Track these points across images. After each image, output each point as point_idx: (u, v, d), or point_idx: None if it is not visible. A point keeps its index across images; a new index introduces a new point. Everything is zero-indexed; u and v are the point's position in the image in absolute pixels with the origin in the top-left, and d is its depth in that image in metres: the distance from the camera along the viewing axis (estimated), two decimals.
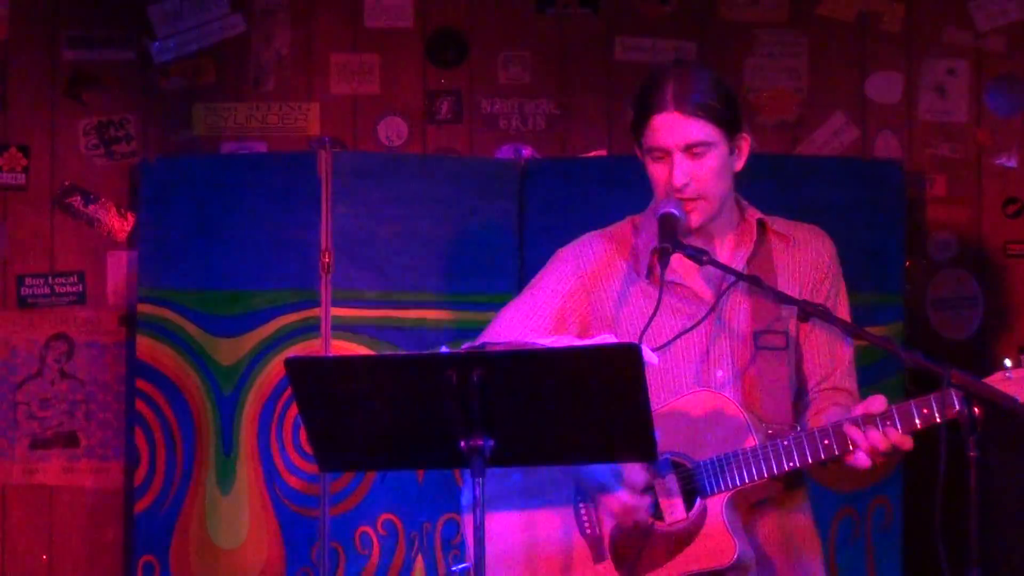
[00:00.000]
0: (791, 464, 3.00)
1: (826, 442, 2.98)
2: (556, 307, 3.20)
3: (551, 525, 3.15)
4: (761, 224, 3.21)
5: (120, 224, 5.03)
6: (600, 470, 3.07)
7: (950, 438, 2.82)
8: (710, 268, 3.09)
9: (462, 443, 2.76)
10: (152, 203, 4.77)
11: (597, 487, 3.08)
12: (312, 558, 4.52)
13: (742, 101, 5.00)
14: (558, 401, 2.79)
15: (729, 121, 3.08)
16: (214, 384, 4.63)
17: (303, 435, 4.46)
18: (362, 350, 4.52)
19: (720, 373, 3.13)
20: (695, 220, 3.09)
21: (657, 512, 3.07)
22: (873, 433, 2.95)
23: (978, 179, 5.05)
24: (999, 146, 5.05)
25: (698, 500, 3.05)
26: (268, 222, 4.60)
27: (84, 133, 5.04)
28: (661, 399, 3.08)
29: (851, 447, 2.97)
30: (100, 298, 5.02)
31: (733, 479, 3.02)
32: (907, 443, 2.96)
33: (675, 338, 3.12)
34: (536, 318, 3.20)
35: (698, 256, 3.05)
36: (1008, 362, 2.90)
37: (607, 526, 3.11)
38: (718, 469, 3.02)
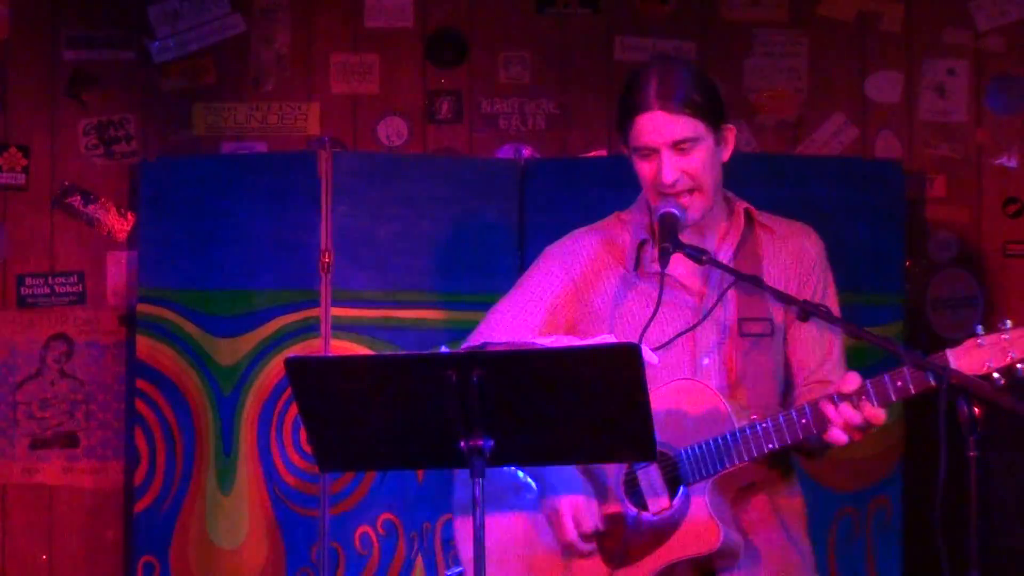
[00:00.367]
0: (770, 446, 3.01)
1: (803, 421, 2.99)
2: (546, 305, 3.21)
3: (537, 521, 3.15)
4: (748, 214, 3.22)
5: (120, 224, 5.03)
6: (555, 502, 3.10)
7: (950, 438, 2.82)
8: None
9: (462, 443, 2.76)
10: (152, 203, 4.77)
11: (550, 508, 3.10)
12: (312, 558, 4.52)
13: (741, 101, 5.03)
14: (558, 401, 2.79)
15: (713, 114, 3.10)
16: (214, 384, 4.63)
17: (303, 435, 4.46)
18: (362, 350, 4.52)
19: (706, 361, 3.15)
20: (693, 215, 3.11)
21: (641, 502, 3.08)
22: (846, 407, 2.95)
23: (978, 179, 5.05)
24: (999, 146, 5.05)
25: (681, 488, 3.05)
26: (268, 222, 4.60)
27: (84, 133, 5.04)
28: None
29: (827, 424, 2.97)
30: (100, 298, 5.02)
31: (714, 465, 3.03)
32: (880, 416, 2.95)
33: (676, 337, 3.13)
34: (526, 316, 3.21)
35: (698, 256, 3.06)
36: (1008, 322, 2.89)
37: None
38: (699, 456, 3.03)
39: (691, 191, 3.09)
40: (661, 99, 3.05)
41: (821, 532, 4.59)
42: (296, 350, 4.52)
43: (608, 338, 3.08)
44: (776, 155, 4.96)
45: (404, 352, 4.38)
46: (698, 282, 3.18)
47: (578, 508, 3.10)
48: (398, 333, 4.54)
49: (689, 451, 3.04)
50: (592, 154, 4.98)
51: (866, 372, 4.53)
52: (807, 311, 3.01)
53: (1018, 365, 2.85)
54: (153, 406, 4.68)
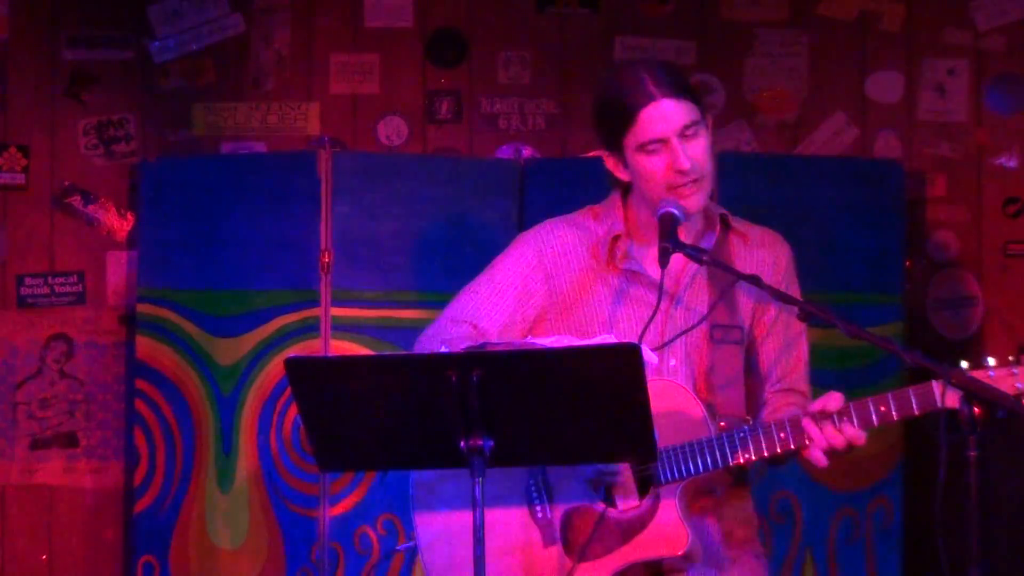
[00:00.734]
0: (747, 456, 3.02)
1: (782, 435, 3.00)
2: (516, 291, 3.22)
3: (500, 507, 3.14)
4: (724, 220, 3.22)
5: (120, 224, 5.03)
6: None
7: (950, 438, 2.82)
8: (672, 258, 3.09)
9: (462, 443, 2.76)
10: (152, 203, 4.77)
11: (545, 483, 3.11)
12: (312, 558, 4.52)
13: (742, 101, 5.03)
14: (558, 401, 2.79)
15: (701, 100, 3.12)
16: (214, 384, 4.63)
17: (303, 435, 4.46)
18: (362, 350, 4.52)
19: (673, 362, 3.16)
20: (696, 203, 3.11)
21: (610, 498, 3.08)
22: (828, 428, 2.96)
23: (978, 179, 5.05)
24: (999, 146, 5.05)
25: (652, 489, 3.06)
26: (268, 222, 4.60)
27: (84, 133, 5.04)
28: None
29: (807, 442, 2.98)
30: (100, 298, 5.02)
31: (688, 468, 3.03)
32: (860, 439, 2.97)
33: (674, 338, 3.14)
34: (496, 300, 3.22)
35: (698, 256, 3.06)
36: (991, 360, 2.90)
37: (559, 511, 3.12)
38: (674, 458, 3.04)
39: (697, 180, 3.09)
40: (661, 88, 3.06)
41: (821, 532, 4.60)
42: (296, 350, 4.52)
43: (608, 338, 3.09)
44: (776, 155, 4.96)
45: (404, 352, 4.38)
46: (670, 281, 3.17)
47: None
48: (398, 333, 4.54)
49: (664, 452, 3.04)
50: (592, 154, 4.96)
51: (866, 372, 4.54)
52: (808, 312, 3.01)
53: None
54: (153, 406, 4.69)
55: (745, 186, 4.53)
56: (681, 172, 3.06)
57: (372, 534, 4.54)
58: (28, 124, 5.03)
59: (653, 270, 3.16)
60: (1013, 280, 5.03)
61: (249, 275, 4.61)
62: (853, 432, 2.96)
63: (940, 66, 5.06)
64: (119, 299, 5.01)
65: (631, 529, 3.06)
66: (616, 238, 3.19)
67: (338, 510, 4.53)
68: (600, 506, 3.09)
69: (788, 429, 3.00)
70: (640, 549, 3.05)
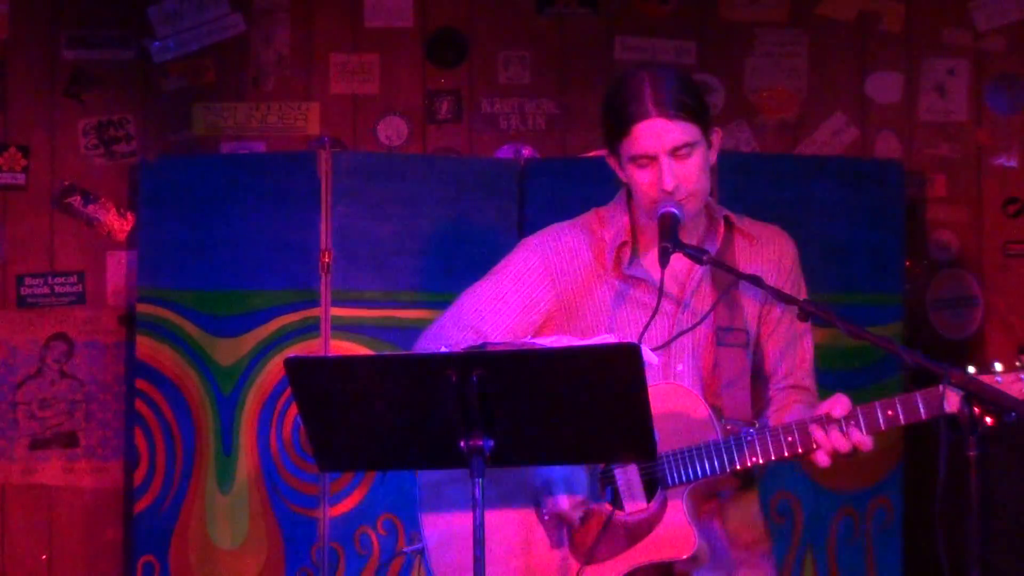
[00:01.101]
0: (754, 459, 3.02)
1: (790, 439, 3.00)
2: (522, 295, 3.21)
3: (508, 508, 3.14)
4: (727, 221, 3.21)
5: (120, 224, 5.03)
6: (556, 468, 3.09)
7: (950, 438, 2.82)
8: (674, 263, 3.10)
9: (462, 443, 2.76)
10: (152, 203, 4.77)
11: (553, 485, 3.10)
12: (312, 558, 4.53)
13: (742, 101, 5.03)
14: (558, 401, 2.79)
15: (705, 117, 3.10)
16: (214, 384, 4.63)
17: (303, 435, 4.46)
18: (362, 350, 4.52)
19: (680, 367, 3.15)
20: (685, 217, 3.10)
21: (617, 501, 3.08)
22: (835, 434, 2.96)
23: (978, 179, 5.05)
24: (999, 146, 5.05)
25: (659, 491, 3.05)
26: (268, 222, 4.60)
27: (84, 133, 5.04)
28: None
29: (814, 446, 2.98)
30: (100, 298, 5.02)
31: (695, 471, 3.03)
32: (867, 444, 2.97)
33: (674, 338, 3.14)
34: (501, 306, 3.21)
35: (698, 256, 3.06)
36: (998, 365, 2.90)
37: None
38: (681, 461, 3.04)
39: (687, 196, 3.09)
40: (658, 106, 3.04)
41: (821, 532, 4.60)
42: (296, 350, 4.52)
43: (608, 338, 3.08)
44: (776, 155, 4.96)
45: (404, 352, 4.37)
46: (676, 286, 3.17)
47: (568, 481, 3.09)
48: (398, 333, 4.54)
49: (671, 455, 3.04)
50: (592, 154, 4.97)
51: (866, 372, 4.54)
52: (807, 311, 3.01)
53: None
54: (153, 406, 4.68)
55: (745, 186, 4.53)
56: (663, 191, 3.06)
57: (372, 534, 4.54)
58: (28, 124, 5.03)
59: (657, 275, 3.15)
60: (1013, 280, 5.03)
61: (249, 275, 4.61)
62: (860, 438, 2.96)
63: (940, 66, 5.06)
64: (119, 299, 5.01)
65: (638, 532, 3.06)
66: (623, 244, 3.19)
67: (338, 510, 4.53)
68: (607, 508, 3.09)
69: (796, 433, 3.00)
70: (647, 552, 3.05)
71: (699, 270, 3.16)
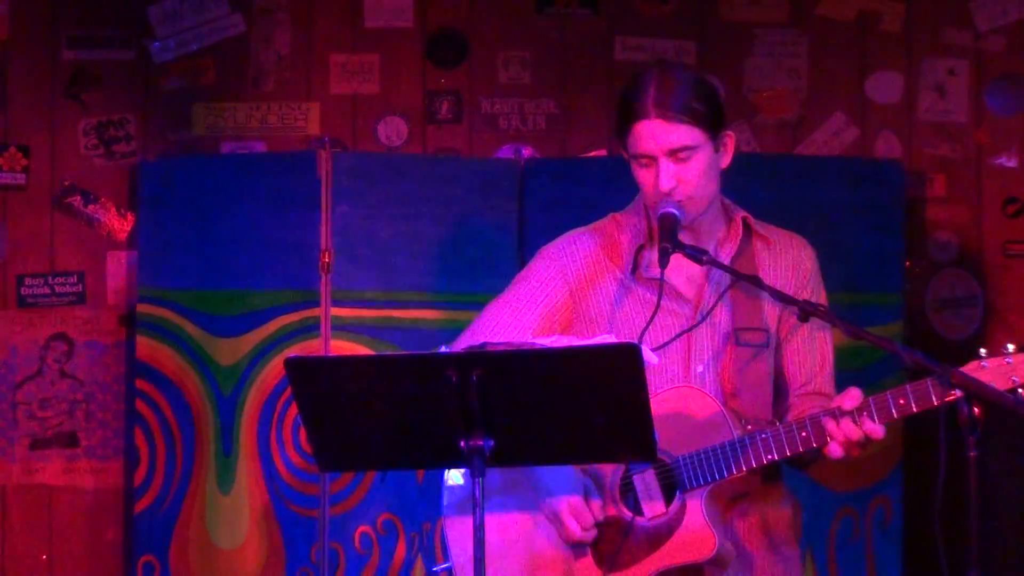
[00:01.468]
0: (770, 457, 3.01)
1: (804, 434, 2.99)
2: (541, 307, 3.20)
3: (528, 523, 3.15)
4: (746, 224, 3.21)
5: (120, 224, 5.03)
6: (552, 503, 3.10)
7: (950, 438, 2.82)
8: (693, 266, 3.10)
9: (462, 443, 2.76)
10: (152, 203, 4.77)
11: (549, 511, 3.10)
12: (312, 558, 4.52)
13: (741, 101, 5.03)
14: (558, 401, 2.79)
15: (713, 121, 3.08)
16: (214, 384, 4.63)
17: (303, 435, 4.46)
18: (362, 350, 4.52)
19: (699, 368, 3.15)
20: (683, 218, 3.10)
21: (637, 507, 3.08)
22: (847, 424, 2.95)
23: (978, 179, 5.05)
24: (999, 146, 5.05)
25: (678, 494, 3.05)
26: (268, 222, 4.60)
27: (84, 133, 5.04)
28: None
29: (828, 439, 2.98)
30: (100, 298, 5.02)
31: (712, 473, 3.03)
32: (879, 433, 2.95)
33: (673, 339, 3.13)
34: (521, 317, 3.20)
35: (698, 256, 3.06)
36: (1010, 346, 2.90)
37: None
38: (697, 463, 3.03)
39: (687, 199, 3.08)
40: (658, 107, 3.03)
41: (821, 532, 4.60)
42: (296, 350, 4.52)
43: (608, 338, 3.08)
44: (776, 155, 4.96)
45: (404, 352, 4.38)
46: (694, 291, 3.17)
47: (575, 508, 3.09)
48: (398, 333, 4.54)
49: (687, 458, 3.04)
50: (592, 154, 4.98)
51: (866, 372, 4.54)
52: (807, 311, 3.01)
53: (1020, 390, 2.85)
54: (153, 406, 4.69)
55: (745, 186, 4.51)
56: (660, 192, 3.06)
57: (372, 534, 4.54)
58: (28, 124, 5.02)
59: (676, 279, 3.15)
60: (1013, 280, 5.03)
61: (249, 275, 4.61)
62: (871, 427, 2.95)
63: (940, 66, 5.06)
64: (119, 299, 5.01)
65: (659, 536, 3.06)
66: (640, 248, 3.18)
67: (338, 510, 4.53)
68: (628, 514, 3.09)
69: (809, 428, 2.99)
70: (668, 555, 3.04)
71: (726, 280, 3.15)
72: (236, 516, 4.60)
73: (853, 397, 2.96)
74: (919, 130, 5.06)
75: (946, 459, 2.81)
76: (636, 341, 3.00)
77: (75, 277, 5.02)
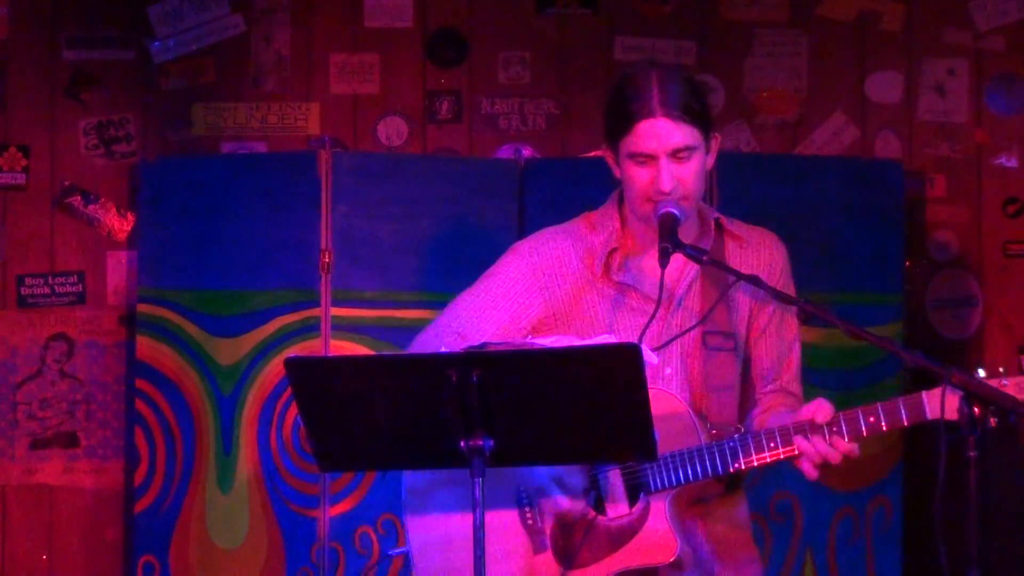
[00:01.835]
0: (736, 465, 3.02)
1: (772, 444, 3.00)
2: (510, 304, 3.20)
3: (490, 512, 3.13)
4: (718, 224, 3.21)
5: (120, 224, 5.03)
6: (539, 472, 3.09)
7: (950, 438, 2.82)
8: (659, 269, 3.09)
9: (462, 443, 2.76)
10: (152, 203, 4.77)
11: (536, 489, 3.09)
12: (312, 558, 4.53)
13: (742, 101, 5.03)
14: (558, 401, 2.79)
15: (708, 123, 3.09)
16: (214, 384, 4.63)
17: (303, 435, 4.46)
18: (362, 350, 4.52)
19: (668, 370, 3.15)
20: (682, 217, 3.10)
21: (600, 506, 3.08)
22: (819, 442, 2.96)
23: (978, 179, 5.05)
24: (999, 146, 5.05)
25: (642, 496, 3.06)
26: (268, 222, 4.60)
27: (84, 133, 5.04)
28: None
29: (797, 453, 2.98)
30: (100, 298, 5.02)
31: (678, 476, 3.03)
32: (854, 452, 2.97)
33: (672, 339, 3.14)
34: (491, 313, 3.20)
35: (698, 256, 3.06)
36: (1002, 370, 2.90)
37: (549, 519, 3.12)
38: (664, 466, 3.03)
39: (680, 199, 3.08)
40: (665, 106, 3.03)
41: (821, 532, 4.60)
42: (296, 350, 4.52)
43: (608, 338, 3.08)
44: (776, 155, 4.96)
45: (404, 352, 4.37)
46: (665, 289, 3.17)
47: (562, 479, 3.08)
48: (398, 333, 4.53)
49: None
50: (592, 154, 4.97)
51: (866, 372, 4.54)
52: (807, 312, 3.01)
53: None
54: (153, 406, 4.69)
55: (745, 186, 4.53)
56: (660, 192, 3.06)
57: (372, 534, 4.54)
58: (28, 124, 5.03)
59: (647, 282, 3.15)
60: (1013, 280, 5.03)
61: (249, 275, 4.61)
62: (846, 446, 2.96)
63: (940, 66, 5.06)
64: (119, 299, 5.01)
65: (621, 536, 3.06)
66: (612, 251, 3.18)
67: (338, 510, 4.53)
68: (591, 512, 3.09)
69: (778, 439, 3.00)
70: (629, 556, 3.05)
71: (692, 271, 3.15)
72: (236, 516, 4.60)
73: (824, 412, 2.97)
74: (919, 130, 5.06)
75: (946, 459, 2.81)
76: (636, 341, 3.00)
77: (75, 277, 5.02)
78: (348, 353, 4.46)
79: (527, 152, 5.01)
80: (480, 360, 2.76)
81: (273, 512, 4.56)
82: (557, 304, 3.19)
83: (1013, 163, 5.05)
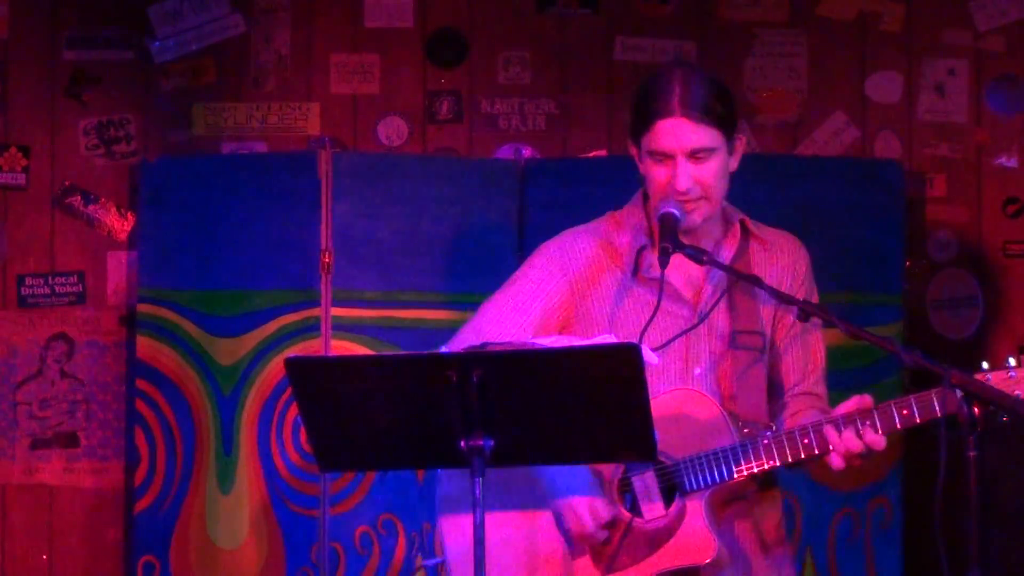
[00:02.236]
0: (771, 462, 3.02)
1: (806, 441, 3.00)
2: (541, 304, 3.20)
3: (526, 521, 3.15)
4: (743, 225, 3.21)
5: (120, 224, 5.03)
6: (570, 499, 3.08)
7: (950, 438, 2.82)
8: (692, 268, 3.10)
9: (462, 443, 2.76)
10: (152, 203, 4.77)
11: (564, 506, 3.09)
12: (312, 558, 4.53)
13: (742, 101, 5.03)
14: (558, 401, 2.79)
15: (730, 124, 3.10)
16: (214, 384, 4.63)
17: (303, 435, 4.46)
18: (362, 350, 4.52)
19: (698, 371, 3.15)
20: (696, 218, 3.11)
21: (636, 509, 3.08)
22: (848, 434, 2.96)
23: (978, 179, 5.05)
24: (999, 146, 5.05)
25: (677, 497, 3.05)
26: (268, 222, 4.60)
27: (84, 133, 5.04)
28: None
29: (829, 448, 2.98)
30: (100, 298, 5.02)
31: (713, 476, 3.03)
32: (880, 443, 2.97)
33: (675, 337, 3.13)
34: (520, 314, 3.19)
35: (698, 256, 3.06)
36: (1012, 360, 2.90)
37: None
38: (698, 466, 3.04)
39: (699, 199, 3.09)
40: (684, 106, 3.04)
41: (821, 532, 4.60)
42: (296, 350, 4.52)
43: (608, 338, 3.08)
44: (776, 155, 4.96)
45: (404, 352, 4.38)
46: (693, 292, 3.17)
47: (594, 506, 3.08)
48: (398, 333, 4.54)
49: (689, 461, 3.04)
50: (592, 154, 4.98)
51: (866, 372, 4.54)
52: (807, 311, 3.01)
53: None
54: (153, 406, 4.68)
55: (745, 186, 4.52)
56: (676, 191, 3.06)
57: (372, 534, 4.54)
58: (28, 124, 5.03)
59: (679, 282, 3.15)
60: (1013, 280, 5.03)
61: (249, 275, 4.61)
62: (872, 438, 2.96)
63: (940, 66, 5.06)
64: (119, 299, 5.01)
65: (658, 538, 3.06)
66: (642, 249, 3.18)
67: (338, 510, 4.53)
68: (627, 515, 3.09)
69: (812, 435, 3.00)
70: (668, 558, 3.05)
71: (716, 275, 3.15)
72: (236, 516, 4.60)
73: (856, 406, 2.97)
74: (919, 130, 5.06)
75: (946, 459, 2.81)
76: (636, 341, 3.00)
77: (75, 277, 5.02)
78: (348, 353, 4.46)
79: (527, 152, 5.01)
80: (480, 360, 2.77)
81: (273, 512, 4.57)
82: (588, 305, 3.18)
83: (1013, 163, 5.05)
